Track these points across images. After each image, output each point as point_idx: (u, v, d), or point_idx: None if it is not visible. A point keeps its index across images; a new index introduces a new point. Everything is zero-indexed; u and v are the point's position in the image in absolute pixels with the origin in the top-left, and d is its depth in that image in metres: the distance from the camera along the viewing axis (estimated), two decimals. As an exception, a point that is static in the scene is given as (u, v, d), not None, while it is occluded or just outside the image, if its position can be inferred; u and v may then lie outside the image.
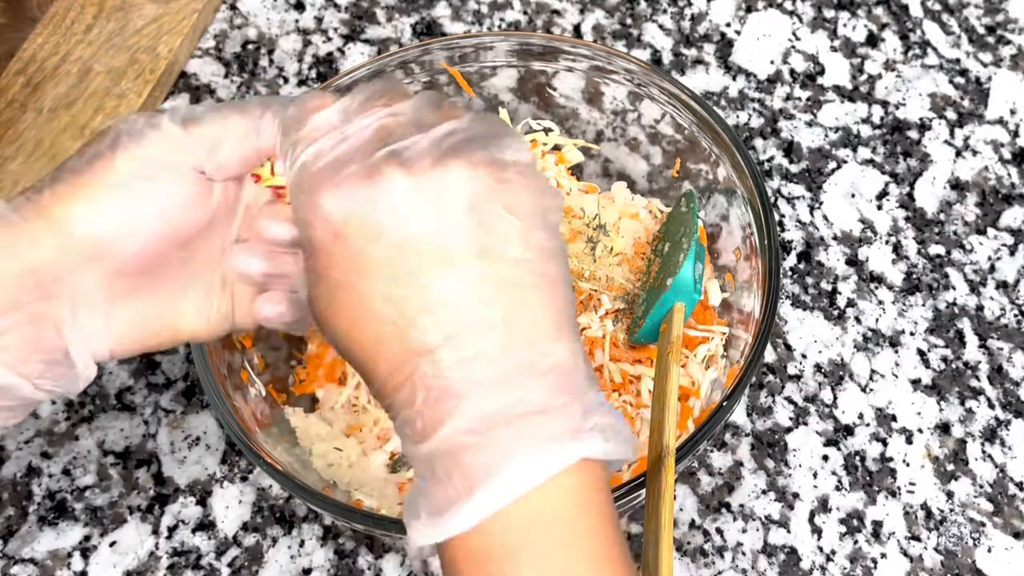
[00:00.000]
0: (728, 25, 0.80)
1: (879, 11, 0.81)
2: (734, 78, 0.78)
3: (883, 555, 0.61)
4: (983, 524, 0.62)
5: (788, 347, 0.67)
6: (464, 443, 0.34)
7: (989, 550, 0.62)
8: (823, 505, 0.62)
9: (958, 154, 0.75)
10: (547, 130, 0.67)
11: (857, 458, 0.64)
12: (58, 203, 0.37)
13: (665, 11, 0.80)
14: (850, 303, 0.69)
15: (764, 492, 0.63)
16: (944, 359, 0.68)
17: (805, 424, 0.65)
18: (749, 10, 0.81)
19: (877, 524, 0.62)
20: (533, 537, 0.34)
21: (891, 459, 0.64)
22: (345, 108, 0.38)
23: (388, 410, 0.37)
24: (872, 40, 0.80)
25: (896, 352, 0.67)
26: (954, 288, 0.70)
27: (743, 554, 0.61)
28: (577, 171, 0.68)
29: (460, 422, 0.34)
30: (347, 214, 0.35)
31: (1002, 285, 0.70)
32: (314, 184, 0.36)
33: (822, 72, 0.78)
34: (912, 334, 0.68)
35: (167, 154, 0.38)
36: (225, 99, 0.75)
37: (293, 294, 0.43)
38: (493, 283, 0.35)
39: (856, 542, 0.62)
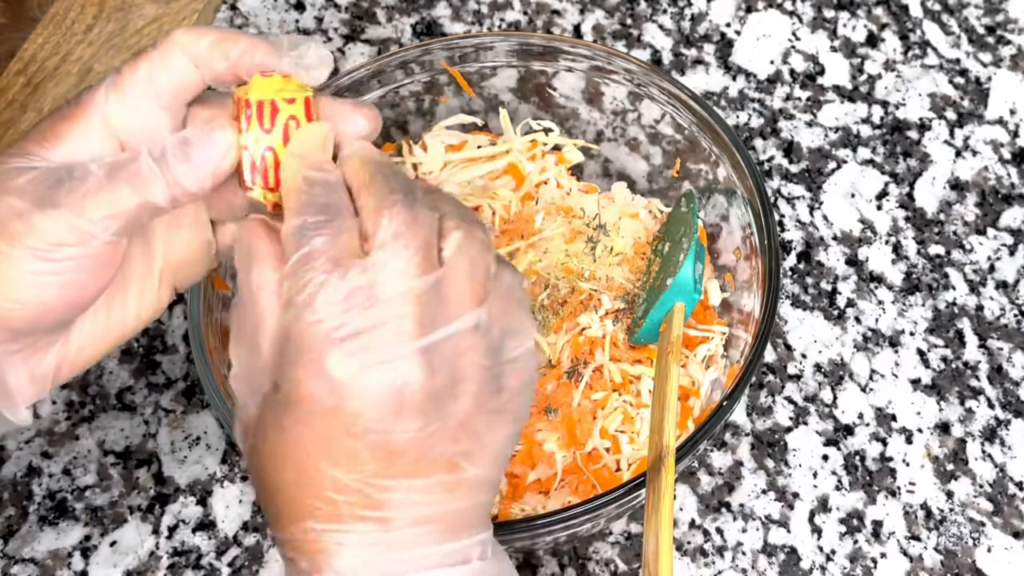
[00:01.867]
0: (728, 25, 0.80)
1: (879, 11, 0.81)
2: (734, 78, 0.78)
3: (883, 555, 0.61)
4: (983, 524, 0.62)
5: (788, 347, 0.67)
6: None
7: (989, 550, 0.62)
8: (823, 505, 0.63)
9: (958, 154, 0.75)
10: (547, 130, 0.67)
11: (857, 458, 0.64)
12: None
13: (665, 11, 0.80)
14: (850, 303, 0.69)
15: (764, 492, 0.63)
16: (944, 359, 0.68)
17: (805, 424, 0.65)
18: (749, 10, 0.81)
19: (877, 524, 0.62)
20: None
21: (891, 459, 0.64)
22: (376, 262, 0.34)
23: (284, 556, 0.36)
24: (872, 40, 0.80)
25: (896, 352, 0.68)
26: (954, 288, 0.70)
27: (743, 554, 0.61)
28: (577, 171, 0.68)
29: None
30: (353, 396, 0.33)
31: (1002, 285, 0.70)
32: (324, 351, 0.33)
33: (822, 72, 0.78)
34: (912, 334, 0.68)
35: (68, 236, 0.35)
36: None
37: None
38: (449, 492, 0.35)
39: (856, 542, 0.62)
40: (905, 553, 0.61)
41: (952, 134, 0.76)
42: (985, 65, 0.79)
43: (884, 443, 0.65)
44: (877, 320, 0.69)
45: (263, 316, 0.35)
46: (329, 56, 0.39)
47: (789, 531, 0.62)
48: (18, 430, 0.63)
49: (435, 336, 0.34)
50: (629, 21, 0.80)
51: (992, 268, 0.71)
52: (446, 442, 0.34)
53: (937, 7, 0.81)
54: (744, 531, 0.62)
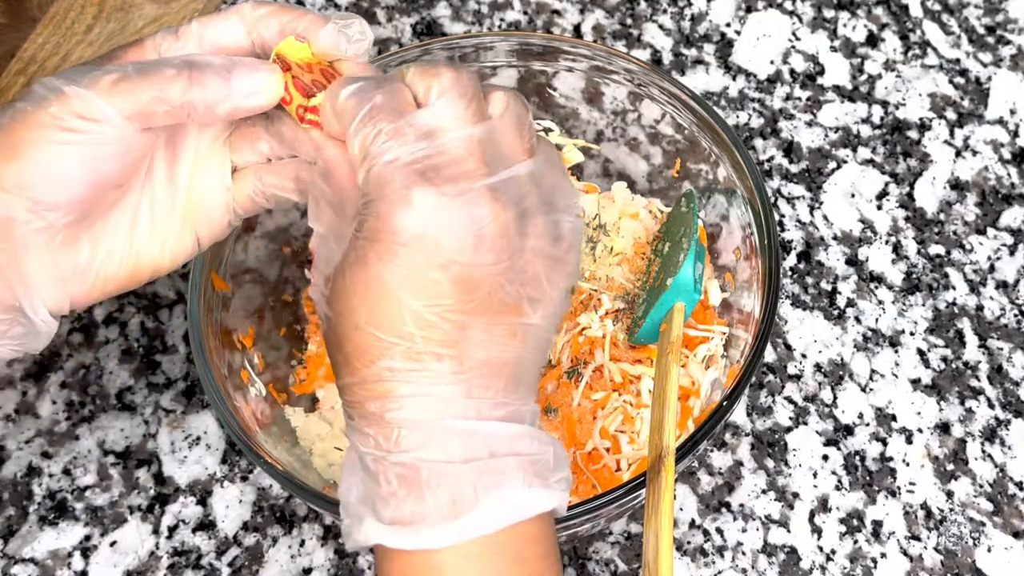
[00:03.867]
0: (728, 25, 0.80)
1: (879, 11, 0.81)
2: (734, 78, 0.78)
3: (883, 555, 0.61)
4: (983, 524, 0.62)
5: (788, 347, 0.67)
6: (451, 466, 0.36)
7: (989, 550, 0.62)
8: (823, 505, 0.63)
9: (958, 154, 0.75)
10: (547, 130, 0.67)
11: (857, 458, 0.64)
12: None
13: (665, 11, 0.80)
14: (850, 303, 0.69)
15: (764, 492, 0.63)
16: (944, 359, 0.68)
17: (805, 424, 0.65)
18: (749, 10, 0.81)
19: (877, 524, 0.62)
20: (488, 569, 0.36)
21: (891, 459, 0.64)
22: (434, 116, 0.37)
23: (350, 406, 0.38)
24: (872, 40, 0.80)
25: (896, 352, 0.68)
26: (954, 288, 0.70)
27: (743, 554, 0.61)
28: (577, 171, 0.68)
29: (444, 448, 0.36)
30: (436, 229, 0.36)
31: (1002, 285, 0.70)
32: (409, 187, 0.36)
33: (822, 72, 0.78)
34: (912, 334, 0.68)
35: (91, 110, 0.38)
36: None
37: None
38: (513, 337, 0.37)
39: (856, 542, 0.62)
40: (905, 553, 0.61)
41: (952, 134, 0.76)
42: (985, 65, 0.79)
43: (884, 443, 0.65)
44: (877, 320, 0.69)
45: (340, 172, 0.39)
46: (370, 32, 0.42)
47: (789, 531, 0.62)
48: (18, 430, 0.63)
49: (500, 176, 0.37)
50: (629, 21, 0.80)
51: (992, 268, 0.71)
52: (515, 283, 0.37)
53: (937, 7, 0.81)
54: (744, 531, 0.62)
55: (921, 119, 0.76)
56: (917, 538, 0.62)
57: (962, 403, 0.66)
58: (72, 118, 0.38)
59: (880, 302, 0.69)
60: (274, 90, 0.40)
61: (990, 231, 0.72)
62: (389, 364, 0.36)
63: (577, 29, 0.79)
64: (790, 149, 0.75)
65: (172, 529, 0.61)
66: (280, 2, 0.42)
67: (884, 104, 0.77)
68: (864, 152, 0.75)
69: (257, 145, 0.44)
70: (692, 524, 0.62)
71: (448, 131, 0.37)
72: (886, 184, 0.74)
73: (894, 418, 0.65)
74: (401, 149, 0.36)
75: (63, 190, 0.39)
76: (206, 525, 0.61)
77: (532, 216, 0.38)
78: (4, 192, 0.38)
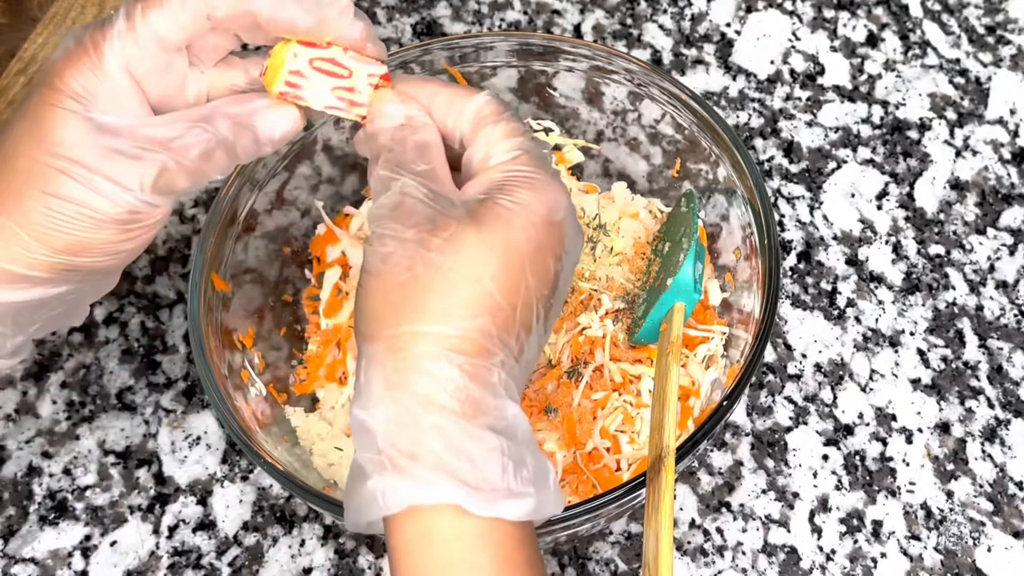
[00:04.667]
0: (728, 25, 0.80)
1: (879, 11, 0.81)
2: (734, 78, 0.78)
3: (883, 555, 0.61)
4: (983, 524, 0.62)
5: (788, 347, 0.67)
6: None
7: (989, 549, 0.62)
8: (823, 505, 0.63)
9: (958, 154, 0.75)
10: (547, 130, 0.67)
11: (857, 458, 0.64)
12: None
13: (665, 11, 0.80)
14: (850, 303, 0.69)
15: (764, 492, 0.63)
16: (944, 359, 0.68)
17: (805, 424, 0.65)
18: (749, 10, 0.81)
19: (877, 524, 0.62)
20: (478, 554, 0.37)
21: (891, 459, 0.64)
22: (506, 130, 0.42)
23: (412, 359, 0.38)
24: (872, 40, 0.80)
25: (896, 352, 0.68)
26: (954, 288, 0.70)
27: (743, 554, 0.61)
28: (577, 171, 0.68)
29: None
30: (568, 217, 0.41)
31: (1002, 285, 0.70)
32: (555, 173, 0.41)
33: (822, 72, 0.78)
34: (912, 334, 0.68)
35: (138, 210, 0.41)
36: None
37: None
38: (520, 325, 0.40)
39: (856, 542, 0.62)
40: (905, 553, 0.61)
41: (952, 134, 0.76)
42: (985, 65, 0.79)
43: (884, 443, 0.65)
44: (877, 320, 0.69)
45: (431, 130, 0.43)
46: (349, 4, 0.42)
47: (789, 531, 0.62)
48: (18, 430, 0.63)
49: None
50: (629, 21, 0.80)
51: (992, 268, 0.71)
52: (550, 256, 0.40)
53: (937, 7, 0.81)
54: (744, 531, 0.62)
55: (921, 119, 0.76)
56: (917, 538, 0.62)
57: (962, 403, 0.66)
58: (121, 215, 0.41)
59: (880, 302, 0.69)
60: (296, 119, 0.43)
61: (990, 231, 0.72)
62: (488, 324, 0.38)
63: (577, 29, 0.79)
64: (790, 149, 0.75)
65: (172, 529, 0.61)
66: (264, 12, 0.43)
67: (884, 104, 0.77)
68: (864, 152, 0.75)
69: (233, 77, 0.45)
70: (692, 524, 0.62)
71: (512, 140, 0.43)
72: (886, 184, 0.74)
73: (894, 418, 0.65)
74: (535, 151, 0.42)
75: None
76: (206, 525, 0.61)
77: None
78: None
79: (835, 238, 0.71)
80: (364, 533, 0.41)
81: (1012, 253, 0.71)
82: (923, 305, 0.69)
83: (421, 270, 0.38)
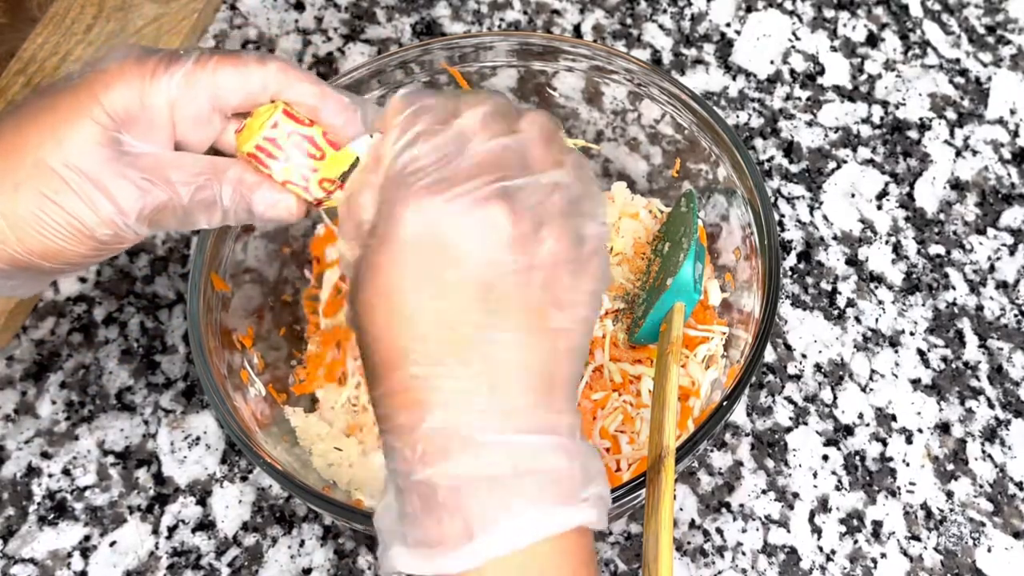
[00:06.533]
0: (728, 25, 0.80)
1: (879, 11, 0.81)
2: (734, 78, 0.78)
3: (883, 555, 0.61)
4: (983, 524, 0.62)
5: (788, 347, 0.67)
6: (468, 485, 0.35)
7: (989, 550, 0.62)
8: (823, 505, 0.63)
9: (958, 154, 0.75)
10: (547, 130, 0.67)
11: (857, 458, 0.64)
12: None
13: (665, 11, 0.80)
14: (850, 303, 0.69)
15: (764, 492, 0.63)
16: (944, 359, 0.68)
17: (805, 424, 0.65)
18: (749, 10, 0.81)
19: (877, 524, 0.62)
20: None
21: (891, 459, 0.64)
22: (464, 126, 0.38)
23: (381, 420, 0.37)
24: (872, 40, 0.80)
25: (896, 352, 0.68)
26: (954, 288, 0.70)
27: (743, 554, 0.61)
28: (577, 171, 0.68)
29: (465, 464, 0.35)
30: (445, 230, 0.36)
31: (1002, 285, 0.70)
32: (420, 190, 0.36)
33: (822, 72, 0.78)
34: (912, 334, 0.68)
35: (124, 235, 0.41)
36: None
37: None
38: (540, 341, 0.37)
39: (856, 542, 0.62)
40: (905, 553, 0.61)
41: (952, 134, 0.76)
42: (985, 65, 0.79)
43: (884, 443, 0.65)
44: (877, 320, 0.69)
45: (368, 176, 0.39)
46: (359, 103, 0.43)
47: (789, 531, 0.62)
48: (18, 430, 0.63)
49: (516, 181, 0.37)
50: (629, 21, 0.80)
51: (992, 268, 0.71)
52: (535, 286, 0.37)
53: (937, 7, 0.81)
54: (744, 531, 0.62)
55: (921, 119, 0.76)
56: (917, 538, 0.62)
57: (962, 403, 0.66)
58: (105, 238, 0.41)
59: (880, 302, 0.69)
60: (292, 211, 0.42)
61: (990, 231, 0.72)
62: (413, 371, 0.36)
63: (577, 29, 0.79)
64: (790, 149, 0.75)
65: (172, 529, 0.61)
66: (299, 68, 0.42)
67: (884, 104, 0.77)
68: (864, 152, 0.75)
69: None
70: (692, 524, 0.62)
71: (473, 142, 0.38)
72: (886, 184, 0.74)
73: (894, 418, 0.65)
74: (422, 158, 0.37)
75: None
76: (206, 525, 0.61)
77: (551, 220, 0.37)
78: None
79: (835, 238, 0.71)
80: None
81: (1012, 253, 0.71)
82: (923, 305, 0.69)
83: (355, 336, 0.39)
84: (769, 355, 0.67)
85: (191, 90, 0.40)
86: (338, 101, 0.42)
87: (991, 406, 0.66)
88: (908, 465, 0.64)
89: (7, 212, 0.39)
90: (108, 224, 0.40)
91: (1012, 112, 0.77)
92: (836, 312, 0.69)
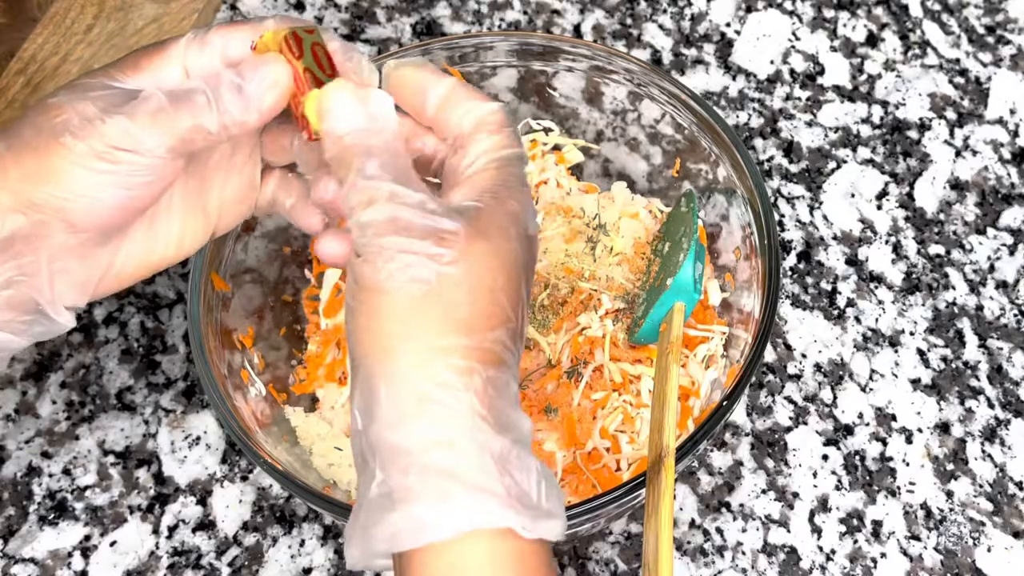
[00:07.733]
0: (728, 25, 0.80)
1: (879, 11, 0.81)
2: (734, 78, 0.78)
3: (883, 555, 0.61)
4: (983, 524, 0.62)
5: (788, 347, 0.67)
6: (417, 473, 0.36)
7: (989, 549, 0.62)
8: (823, 505, 0.63)
9: (958, 154, 0.75)
10: (547, 130, 0.67)
11: (857, 458, 0.64)
12: (22, 180, 0.39)
13: (665, 11, 0.80)
14: (850, 303, 0.69)
15: (764, 492, 0.63)
16: (944, 359, 0.68)
17: (805, 424, 0.65)
18: (749, 10, 0.81)
19: (877, 524, 0.62)
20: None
21: (891, 459, 0.64)
22: (503, 142, 0.41)
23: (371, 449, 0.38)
24: (872, 40, 0.80)
25: (896, 352, 0.68)
26: (954, 288, 0.70)
27: (743, 554, 0.61)
28: (577, 171, 0.68)
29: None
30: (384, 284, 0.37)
31: (1002, 285, 0.70)
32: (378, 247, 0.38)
33: (822, 72, 0.78)
34: (912, 334, 0.68)
35: (133, 142, 0.39)
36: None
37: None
38: (520, 334, 0.39)
39: (856, 542, 0.62)
40: (905, 553, 0.61)
41: (952, 134, 0.76)
42: (985, 65, 0.79)
43: (884, 443, 0.65)
44: (877, 320, 0.69)
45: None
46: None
47: (789, 531, 0.62)
48: (18, 430, 0.63)
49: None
50: (629, 21, 0.80)
51: (992, 268, 0.71)
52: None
53: (937, 7, 0.81)
54: (744, 531, 0.62)
55: (921, 119, 0.76)
56: (917, 538, 0.62)
57: (962, 403, 0.66)
58: (112, 150, 0.39)
59: (880, 302, 0.69)
60: (283, 79, 0.41)
61: (990, 231, 0.72)
62: (504, 335, 0.38)
63: (577, 29, 0.79)
64: (790, 149, 0.75)
65: (172, 529, 0.61)
66: (311, 22, 0.43)
67: (884, 104, 0.77)
68: (864, 152, 0.75)
69: (286, 147, 0.45)
70: (692, 524, 0.62)
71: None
72: (886, 184, 0.74)
73: (894, 418, 0.65)
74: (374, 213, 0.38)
75: (95, 215, 0.40)
76: (206, 525, 0.61)
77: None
78: (38, 212, 0.39)
79: (835, 238, 0.71)
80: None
81: (1012, 253, 0.71)
82: (923, 305, 0.69)
83: (436, 285, 0.37)
84: (769, 355, 0.67)
85: (200, 53, 0.42)
86: (344, 45, 0.43)
87: (991, 406, 0.66)
88: (908, 465, 0.64)
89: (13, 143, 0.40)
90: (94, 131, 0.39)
91: (1012, 112, 0.77)
92: (836, 312, 0.69)
